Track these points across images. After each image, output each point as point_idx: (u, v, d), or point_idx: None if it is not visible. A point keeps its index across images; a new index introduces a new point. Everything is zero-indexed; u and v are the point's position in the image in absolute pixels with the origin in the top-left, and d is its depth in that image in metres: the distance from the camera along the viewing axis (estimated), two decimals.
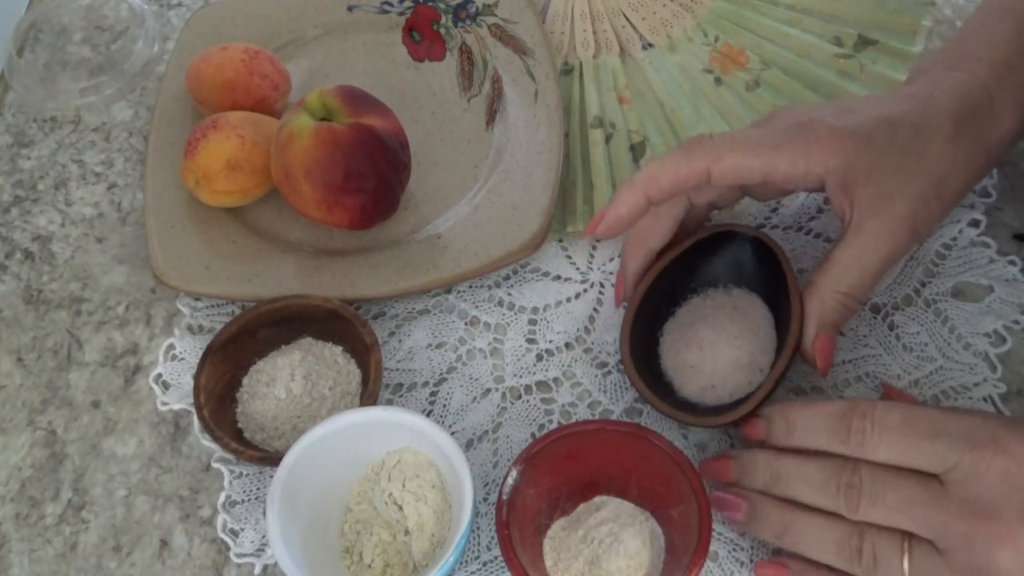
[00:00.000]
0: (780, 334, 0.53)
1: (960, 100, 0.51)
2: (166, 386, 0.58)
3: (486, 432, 0.55)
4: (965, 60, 0.52)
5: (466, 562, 0.51)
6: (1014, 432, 0.42)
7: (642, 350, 0.54)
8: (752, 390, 0.51)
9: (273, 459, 0.52)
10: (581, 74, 0.68)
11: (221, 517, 0.53)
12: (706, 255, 0.56)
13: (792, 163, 0.49)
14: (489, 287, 0.60)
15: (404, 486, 0.50)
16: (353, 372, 0.56)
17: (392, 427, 0.50)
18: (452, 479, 0.49)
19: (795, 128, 0.50)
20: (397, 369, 0.57)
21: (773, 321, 0.54)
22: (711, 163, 0.50)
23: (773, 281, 0.54)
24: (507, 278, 0.60)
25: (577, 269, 0.60)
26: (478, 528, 0.52)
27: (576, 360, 0.57)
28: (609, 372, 0.56)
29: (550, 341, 0.58)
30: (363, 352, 0.55)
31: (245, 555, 0.52)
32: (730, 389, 0.53)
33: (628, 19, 0.71)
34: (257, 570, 0.52)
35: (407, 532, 0.50)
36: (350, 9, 0.71)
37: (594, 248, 0.61)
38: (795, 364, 0.55)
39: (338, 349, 0.56)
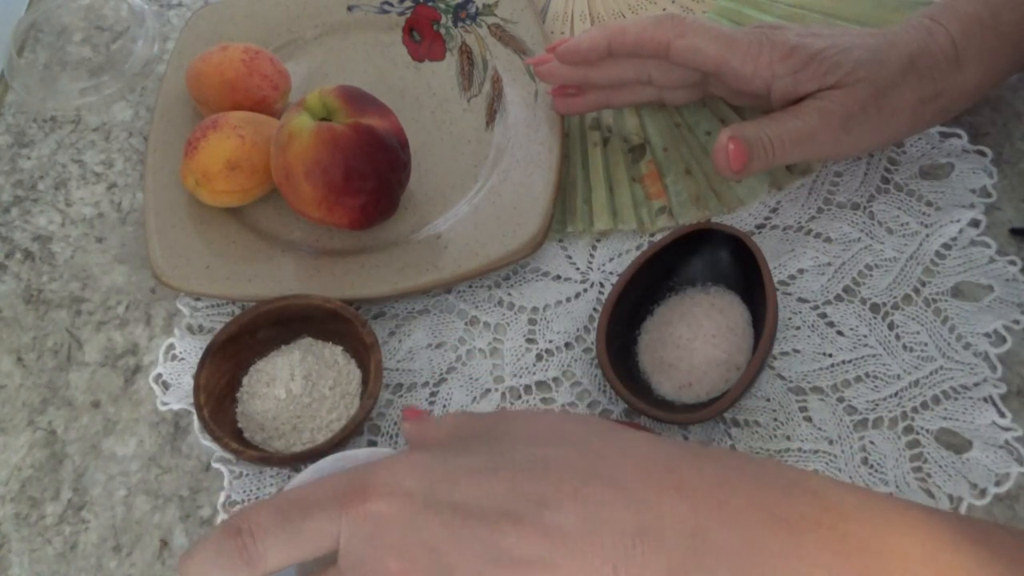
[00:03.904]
0: (757, 332, 0.53)
1: (922, 43, 0.54)
2: (166, 386, 0.58)
3: None
4: (944, 13, 0.56)
5: None
6: (376, 468, 0.38)
7: (619, 348, 0.55)
8: (728, 388, 0.52)
9: (273, 459, 0.52)
10: None
11: (221, 517, 0.53)
12: (684, 253, 0.56)
13: (743, 61, 0.54)
14: (489, 287, 0.60)
15: None
16: (353, 372, 0.56)
17: None
18: None
19: (758, 32, 0.55)
20: (397, 369, 0.57)
21: (751, 319, 0.54)
22: (674, 37, 0.55)
23: (751, 279, 0.54)
24: (507, 278, 0.60)
25: (577, 269, 0.60)
26: None
27: (576, 360, 0.57)
28: None
29: (550, 341, 0.58)
30: (363, 352, 0.55)
31: None
32: (707, 387, 0.53)
33: None
34: None
35: None
36: (350, 9, 0.71)
37: (594, 248, 0.61)
38: (793, 364, 0.55)
39: (338, 349, 0.56)
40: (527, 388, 0.56)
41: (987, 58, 0.55)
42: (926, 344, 0.54)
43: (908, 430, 0.52)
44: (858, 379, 0.54)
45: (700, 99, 0.62)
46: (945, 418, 0.52)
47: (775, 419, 0.53)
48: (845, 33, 0.55)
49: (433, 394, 0.56)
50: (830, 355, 0.55)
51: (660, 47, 0.55)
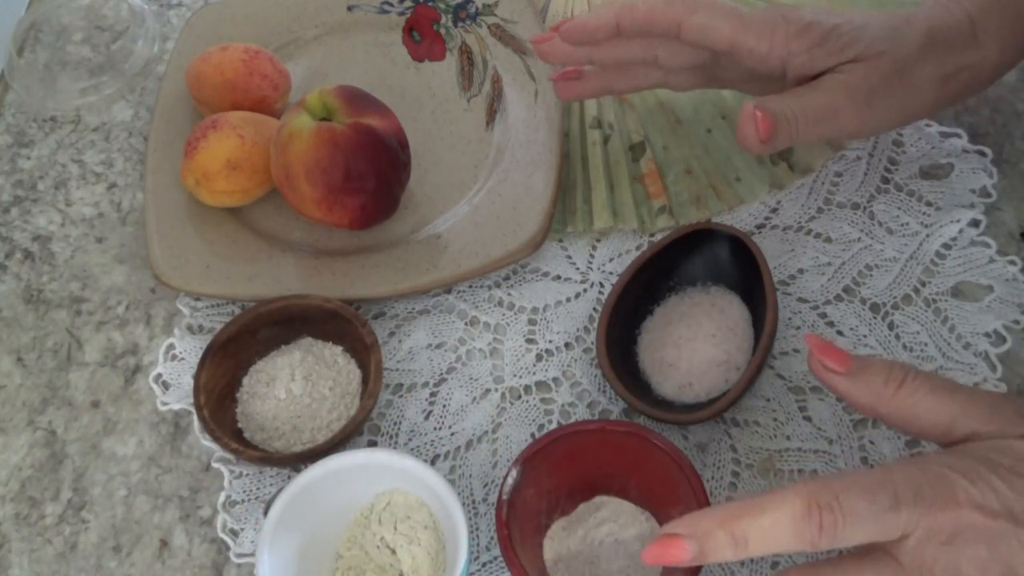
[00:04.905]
0: (757, 332, 0.53)
1: (938, 18, 0.53)
2: (166, 386, 0.58)
3: (486, 432, 0.55)
4: None
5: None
6: (960, 478, 0.40)
7: (619, 348, 0.55)
8: (728, 388, 0.52)
9: (273, 459, 0.52)
10: None
11: (221, 517, 0.53)
12: (684, 253, 0.56)
13: (758, 39, 0.52)
14: (489, 287, 0.60)
15: (396, 529, 0.49)
16: (353, 372, 0.56)
17: (379, 469, 0.49)
18: (444, 518, 0.47)
19: (773, 11, 0.53)
20: (397, 369, 0.57)
21: (751, 319, 0.54)
22: (686, 15, 0.52)
23: (750, 279, 0.54)
24: (507, 278, 0.60)
25: (577, 269, 0.60)
26: (478, 528, 0.52)
27: (576, 360, 0.57)
28: None
29: (550, 341, 0.58)
30: (363, 352, 0.55)
31: (245, 555, 0.52)
32: (707, 387, 0.53)
33: None
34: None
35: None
36: (350, 9, 0.71)
37: (594, 248, 0.61)
38: (793, 364, 0.55)
39: (338, 349, 0.56)
40: (527, 388, 0.56)
41: (1006, 34, 0.53)
42: (926, 344, 0.54)
43: None
44: None
45: (703, 88, 0.60)
46: None
47: (775, 419, 0.53)
48: (858, 13, 0.54)
49: (433, 394, 0.56)
50: None
51: (671, 25, 0.53)
